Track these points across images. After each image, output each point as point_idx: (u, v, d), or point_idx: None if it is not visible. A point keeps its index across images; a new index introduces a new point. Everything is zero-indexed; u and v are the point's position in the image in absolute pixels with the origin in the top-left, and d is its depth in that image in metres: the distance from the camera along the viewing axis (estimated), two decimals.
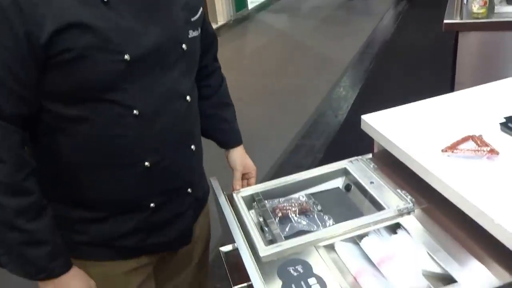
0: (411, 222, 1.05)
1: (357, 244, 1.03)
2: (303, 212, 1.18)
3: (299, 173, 1.30)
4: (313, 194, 1.27)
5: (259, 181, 1.33)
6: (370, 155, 1.35)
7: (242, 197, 1.24)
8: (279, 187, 1.28)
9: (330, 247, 1.03)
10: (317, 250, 1.01)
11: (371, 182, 1.21)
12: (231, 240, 1.09)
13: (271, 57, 5.42)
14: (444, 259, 0.94)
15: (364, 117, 1.38)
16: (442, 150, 1.13)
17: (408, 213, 1.08)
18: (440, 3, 3.24)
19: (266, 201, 1.23)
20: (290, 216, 1.17)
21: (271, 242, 1.07)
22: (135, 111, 0.94)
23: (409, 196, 1.11)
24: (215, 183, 1.26)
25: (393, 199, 1.13)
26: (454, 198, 1.02)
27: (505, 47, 2.29)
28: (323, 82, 4.46)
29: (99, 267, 1.04)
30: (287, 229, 1.13)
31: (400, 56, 4.92)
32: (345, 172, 1.30)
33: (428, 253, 0.96)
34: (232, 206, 1.19)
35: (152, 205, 1.03)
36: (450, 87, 2.54)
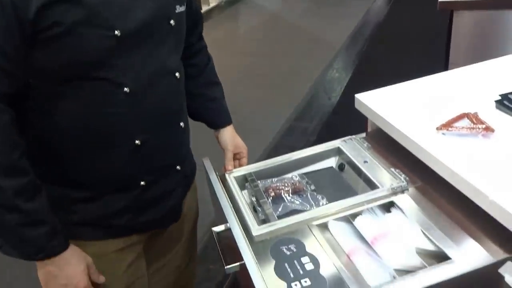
0: (405, 200, 1.04)
1: (350, 223, 1.02)
2: (296, 191, 1.17)
3: (292, 153, 1.29)
4: (306, 174, 1.26)
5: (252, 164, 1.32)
6: (363, 134, 1.33)
7: (235, 178, 1.23)
8: (272, 167, 1.26)
9: (324, 226, 1.02)
10: (310, 229, 1.00)
11: (365, 161, 1.20)
12: (224, 221, 1.08)
13: (263, 39, 5.37)
14: (438, 236, 0.93)
15: (358, 96, 1.37)
16: (437, 128, 1.12)
17: (402, 191, 1.07)
18: None
19: (259, 181, 1.21)
20: (283, 196, 1.16)
21: (264, 221, 1.06)
22: (125, 89, 0.93)
23: (403, 175, 1.10)
24: (207, 164, 1.24)
25: (387, 178, 1.12)
26: (448, 175, 1.01)
27: (501, 26, 2.26)
28: (316, 64, 4.42)
29: (89, 246, 1.03)
30: (280, 209, 1.12)
31: (394, 37, 4.88)
32: (338, 151, 1.29)
33: (422, 231, 0.96)
34: (224, 187, 1.18)
35: (142, 183, 1.03)
36: (444, 68, 2.52)
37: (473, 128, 1.09)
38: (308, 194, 1.16)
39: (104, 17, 0.87)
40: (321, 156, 1.29)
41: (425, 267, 0.88)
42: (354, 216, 1.03)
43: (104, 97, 0.93)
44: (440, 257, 0.90)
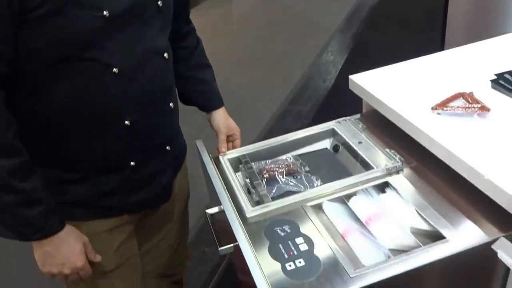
0: (400, 181, 1.04)
1: (345, 204, 1.02)
2: (291, 173, 1.16)
3: (286, 134, 1.28)
4: (300, 156, 1.25)
5: None
6: (358, 116, 1.32)
7: (228, 159, 1.22)
8: (266, 149, 1.25)
9: (318, 207, 1.01)
10: (304, 210, 0.99)
11: (360, 142, 1.19)
12: (218, 203, 1.07)
13: (258, 23, 5.31)
14: (433, 216, 0.93)
15: (352, 77, 1.35)
16: (432, 108, 1.11)
17: (397, 172, 1.06)
18: None
19: (252, 163, 1.20)
20: (277, 177, 1.15)
21: (258, 203, 1.05)
22: (114, 69, 0.92)
23: (398, 155, 1.09)
24: (200, 146, 1.23)
25: (382, 158, 1.11)
26: (443, 155, 1.00)
27: (497, 6, 2.25)
28: (310, 47, 4.38)
29: (80, 226, 1.02)
30: (274, 190, 1.11)
31: (390, 19, 4.84)
32: (333, 133, 1.28)
33: (416, 210, 0.95)
34: (218, 169, 1.17)
35: (132, 163, 1.03)
36: (440, 50, 2.50)
37: (469, 108, 1.08)
38: (303, 175, 1.16)
39: None
40: (316, 137, 1.28)
41: (420, 246, 0.87)
42: (349, 197, 1.02)
43: (93, 78, 0.92)
44: (435, 236, 0.90)
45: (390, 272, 0.82)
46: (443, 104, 1.11)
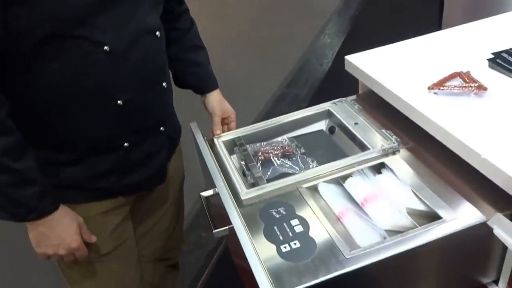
0: (396, 161, 1.03)
1: (341, 185, 1.01)
2: (286, 155, 1.15)
3: (281, 116, 1.26)
4: (296, 137, 1.24)
5: None
6: (354, 97, 1.30)
7: (223, 142, 1.20)
8: (261, 131, 1.24)
9: (313, 189, 1.00)
10: (300, 192, 0.98)
11: (356, 123, 1.18)
12: (212, 185, 1.06)
13: (254, 5, 5.26)
14: (429, 197, 0.92)
15: (348, 57, 1.33)
16: (429, 88, 1.09)
17: (393, 152, 1.05)
18: None
19: (247, 145, 1.19)
20: (273, 159, 1.14)
21: (253, 185, 1.04)
22: (105, 47, 0.91)
23: (394, 136, 1.08)
24: (194, 128, 1.22)
25: (378, 139, 1.10)
26: (440, 135, 0.99)
27: None
28: (307, 30, 4.34)
29: (75, 209, 1.02)
30: (269, 172, 1.10)
31: (387, 1, 4.79)
32: (328, 114, 1.27)
33: (412, 191, 0.94)
34: (213, 152, 1.15)
35: (125, 144, 1.02)
36: (438, 30, 2.48)
37: (466, 87, 1.06)
38: (298, 157, 1.14)
39: None
40: (311, 119, 1.27)
41: (416, 227, 0.87)
42: (345, 178, 1.01)
43: (84, 57, 0.90)
44: (432, 217, 0.89)
45: (386, 253, 0.82)
46: (439, 84, 1.09)
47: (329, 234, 0.87)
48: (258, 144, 1.20)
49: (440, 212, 0.88)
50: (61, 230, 0.97)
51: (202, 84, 1.28)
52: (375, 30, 4.13)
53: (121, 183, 1.06)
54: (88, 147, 0.99)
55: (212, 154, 1.13)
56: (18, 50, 0.87)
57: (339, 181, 1.01)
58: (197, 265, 2.03)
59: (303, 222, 0.90)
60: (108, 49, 0.91)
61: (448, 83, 1.10)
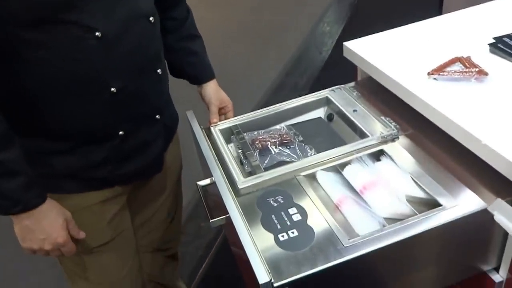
0: (395, 148, 1.01)
1: (339, 173, 0.99)
2: (284, 143, 1.14)
3: (279, 104, 1.25)
4: (293, 125, 1.22)
5: None
6: (353, 83, 1.28)
7: (220, 130, 1.19)
8: (259, 119, 1.22)
9: (312, 177, 0.99)
10: (298, 180, 0.97)
11: (354, 110, 1.16)
12: (209, 174, 1.04)
13: None
14: (429, 184, 0.91)
15: (347, 43, 1.31)
16: (428, 73, 1.08)
17: (393, 139, 1.04)
18: None
19: (245, 134, 1.17)
20: (270, 147, 1.12)
21: (250, 174, 1.03)
22: (97, 33, 0.88)
23: (394, 123, 1.07)
24: (191, 116, 1.20)
25: (377, 126, 1.08)
26: (440, 121, 0.97)
27: None
28: (306, 17, 4.30)
29: (71, 199, 1.00)
30: (266, 161, 1.09)
31: None
32: (327, 101, 1.25)
33: (412, 178, 0.93)
34: (209, 140, 1.14)
35: (120, 133, 1.00)
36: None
37: (466, 72, 1.04)
38: (296, 145, 1.13)
39: None
40: (309, 106, 1.25)
41: (416, 215, 0.85)
42: (343, 166, 1.00)
43: (75, 43, 0.88)
44: (432, 204, 0.88)
45: (385, 242, 0.80)
46: (439, 69, 1.08)
47: (327, 222, 0.86)
48: (255, 132, 1.19)
49: (440, 200, 0.87)
50: (47, 224, 0.94)
51: (199, 74, 1.27)
52: (375, 17, 4.08)
53: (117, 172, 1.04)
54: (82, 136, 0.97)
55: (209, 143, 1.11)
56: (5, 38, 0.85)
57: (338, 169, 0.99)
58: (196, 255, 2.02)
59: (301, 211, 0.89)
60: (99, 35, 0.88)
61: (448, 69, 1.08)
